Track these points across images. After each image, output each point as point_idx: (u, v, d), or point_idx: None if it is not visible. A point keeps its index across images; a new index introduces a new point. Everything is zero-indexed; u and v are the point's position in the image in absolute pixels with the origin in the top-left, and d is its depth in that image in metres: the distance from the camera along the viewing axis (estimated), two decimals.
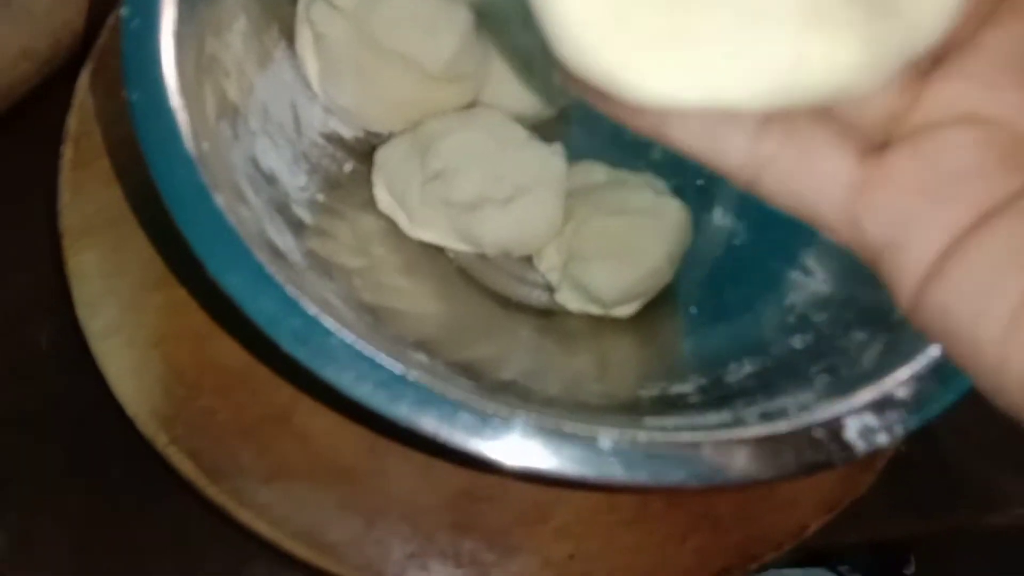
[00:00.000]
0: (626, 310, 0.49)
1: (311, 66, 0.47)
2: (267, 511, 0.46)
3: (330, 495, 0.46)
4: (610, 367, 0.47)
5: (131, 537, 0.49)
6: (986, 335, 0.22)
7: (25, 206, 0.54)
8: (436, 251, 0.50)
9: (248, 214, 0.37)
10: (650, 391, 0.44)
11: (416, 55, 0.47)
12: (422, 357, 0.41)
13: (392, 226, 0.50)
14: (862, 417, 0.36)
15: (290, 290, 0.35)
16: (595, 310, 0.49)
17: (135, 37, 0.38)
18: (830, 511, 0.48)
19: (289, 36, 0.48)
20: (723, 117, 0.24)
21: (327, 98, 0.48)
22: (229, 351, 0.49)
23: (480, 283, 0.51)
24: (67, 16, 0.54)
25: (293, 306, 0.35)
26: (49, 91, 0.55)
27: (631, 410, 0.42)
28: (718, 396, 0.43)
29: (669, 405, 0.42)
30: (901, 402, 0.36)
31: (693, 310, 0.50)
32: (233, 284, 0.35)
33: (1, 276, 0.53)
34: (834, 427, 0.35)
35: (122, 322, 0.48)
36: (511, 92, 0.51)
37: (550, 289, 0.51)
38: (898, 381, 0.37)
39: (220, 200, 0.36)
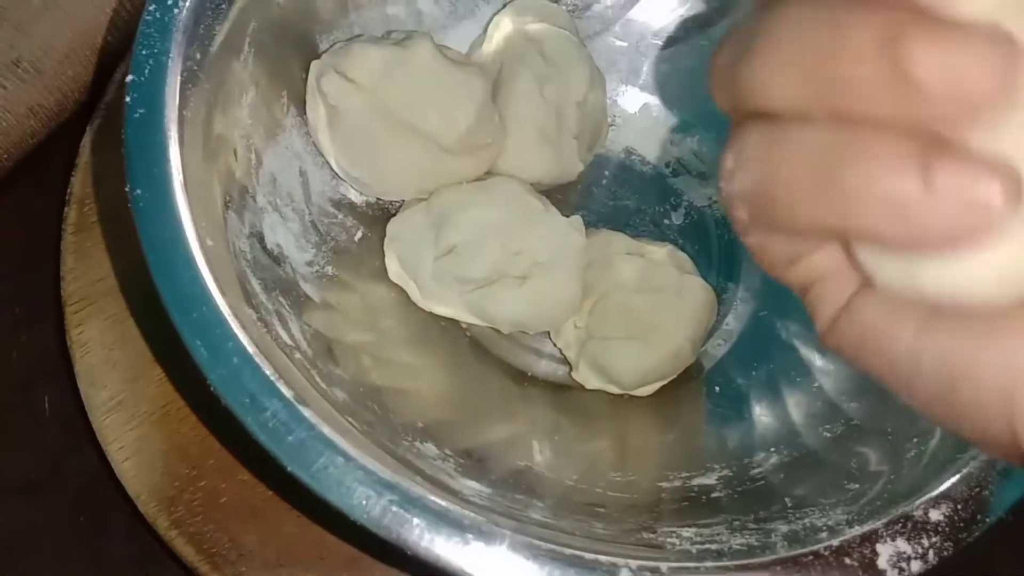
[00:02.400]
0: (646, 390, 0.48)
1: (323, 138, 0.46)
2: None
3: None
4: (630, 452, 0.45)
5: None
6: None
7: (30, 266, 0.53)
8: (448, 322, 0.49)
9: (253, 315, 0.36)
10: (672, 482, 0.42)
11: (432, 128, 0.45)
12: (430, 448, 0.40)
13: (402, 297, 0.48)
14: (896, 543, 0.34)
15: (295, 399, 0.34)
16: (613, 389, 0.48)
17: (140, 128, 0.36)
18: None
19: (299, 102, 0.46)
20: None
21: (340, 169, 0.47)
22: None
23: (494, 356, 0.50)
24: (75, 72, 0.52)
25: (298, 417, 0.33)
26: (55, 147, 0.53)
27: (651, 509, 0.40)
28: (744, 492, 0.41)
29: (692, 503, 0.41)
30: (935, 525, 0.35)
31: (717, 388, 0.49)
32: (235, 398, 0.33)
33: (4, 338, 0.52)
34: (868, 554, 0.34)
35: (124, 396, 0.47)
36: (528, 161, 0.49)
37: (567, 363, 0.49)
38: (932, 499, 0.35)
39: (225, 305, 0.34)
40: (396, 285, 0.48)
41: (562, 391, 0.49)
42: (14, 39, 0.50)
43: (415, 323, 0.48)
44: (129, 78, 0.37)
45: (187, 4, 0.39)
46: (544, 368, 0.50)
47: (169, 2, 0.38)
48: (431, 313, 0.48)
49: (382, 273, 0.48)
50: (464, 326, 0.49)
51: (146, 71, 0.37)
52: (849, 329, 0.24)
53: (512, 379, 0.49)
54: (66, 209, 0.50)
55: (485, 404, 0.48)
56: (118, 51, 0.54)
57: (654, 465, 0.45)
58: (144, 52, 0.38)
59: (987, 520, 0.35)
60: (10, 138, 0.51)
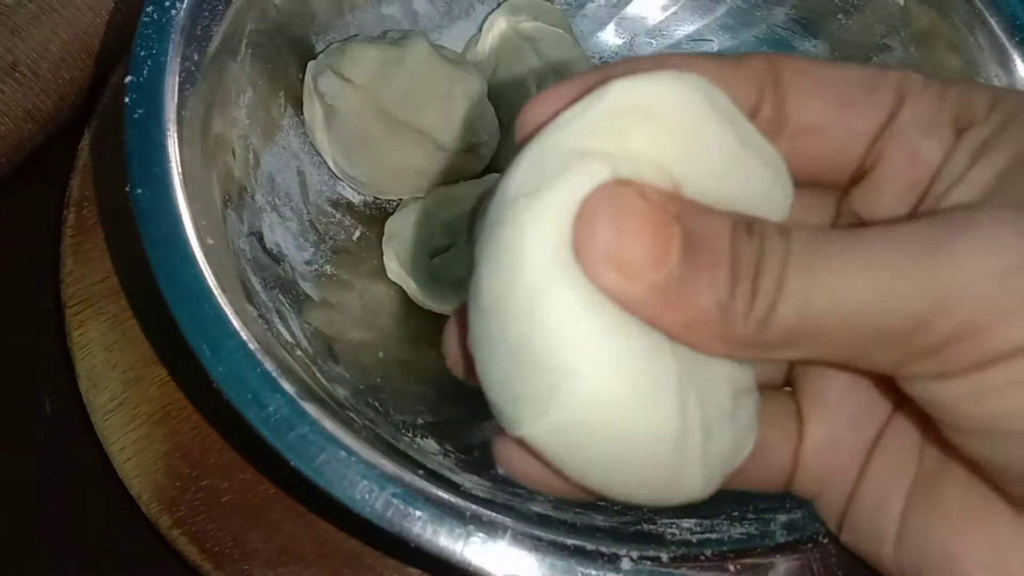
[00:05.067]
0: None
1: (320, 137, 0.46)
2: None
3: None
4: None
5: None
6: None
7: (29, 270, 0.53)
8: (445, 320, 0.49)
9: (254, 312, 0.36)
10: None
11: (428, 126, 0.45)
12: (431, 444, 0.40)
13: (401, 295, 0.48)
14: None
15: (297, 394, 0.34)
16: None
17: (140, 128, 0.36)
18: None
19: (296, 103, 0.47)
20: None
21: (337, 169, 0.47)
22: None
23: None
24: (72, 75, 0.52)
25: (300, 412, 0.34)
26: (52, 151, 0.54)
27: None
28: None
29: None
30: None
31: None
32: (238, 394, 0.33)
33: (4, 341, 0.52)
34: None
35: (125, 397, 0.47)
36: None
37: None
38: None
39: (226, 303, 0.34)
40: (395, 284, 0.48)
41: None
42: (10, 43, 0.50)
43: (414, 321, 0.48)
44: (128, 79, 0.37)
45: (184, 6, 0.39)
46: None
47: (167, 4, 0.39)
48: (430, 311, 0.48)
49: (380, 272, 0.48)
50: None
51: (145, 72, 0.38)
52: None
53: None
54: (65, 212, 0.50)
55: (484, 400, 0.48)
56: (114, 55, 0.54)
57: None
58: (142, 53, 0.38)
59: None
60: (7, 141, 0.51)
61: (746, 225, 0.21)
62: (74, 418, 0.49)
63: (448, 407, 0.45)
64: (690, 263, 0.20)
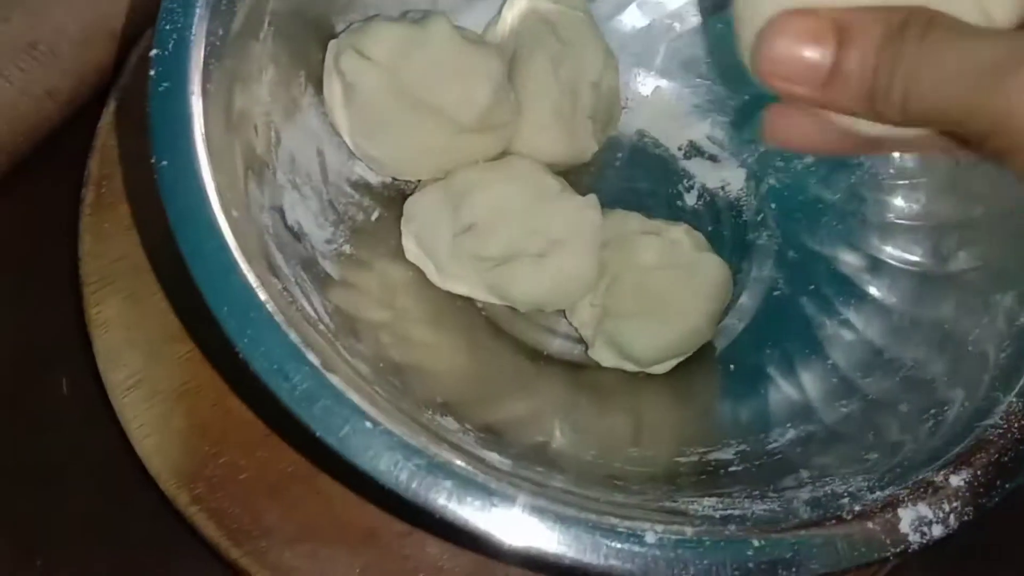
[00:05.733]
0: (662, 368, 0.48)
1: (340, 117, 0.46)
2: (292, 574, 0.45)
3: (356, 559, 0.45)
4: (646, 429, 0.46)
5: None
6: None
7: (47, 249, 0.53)
8: (464, 301, 0.49)
9: (278, 285, 0.36)
10: (689, 457, 0.43)
11: (449, 106, 0.45)
12: (450, 422, 0.40)
13: (419, 276, 0.48)
14: (917, 508, 0.34)
15: (322, 366, 0.34)
16: (630, 367, 0.48)
17: (165, 101, 0.36)
18: None
19: (316, 82, 0.47)
20: None
21: (357, 149, 0.47)
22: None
23: (509, 335, 0.50)
24: (91, 56, 0.53)
25: (325, 384, 0.34)
26: (70, 130, 0.54)
27: (670, 482, 0.40)
28: (761, 466, 0.41)
29: (710, 476, 0.41)
30: (956, 490, 0.35)
31: (732, 366, 0.49)
32: (263, 365, 0.33)
33: (22, 320, 0.52)
34: (890, 519, 0.34)
35: (143, 374, 0.47)
36: (543, 141, 0.49)
37: (582, 341, 0.50)
38: (952, 466, 0.36)
39: (251, 274, 0.34)
40: (413, 264, 0.48)
41: (577, 369, 0.49)
42: (32, 22, 0.51)
43: (432, 302, 0.48)
44: (153, 52, 0.37)
45: None
46: (559, 347, 0.50)
47: None
48: (447, 292, 0.48)
49: (399, 252, 0.48)
50: (479, 305, 0.50)
51: (170, 45, 0.38)
52: None
53: (528, 357, 0.49)
54: (83, 190, 0.51)
55: (501, 382, 0.48)
56: (133, 36, 0.54)
57: (671, 441, 0.45)
58: (168, 27, 0.38)
59: (1007, 486, 0.35)
60: (27, 121, 0.52)
61: (900, 23, 0.27)
62: (91, 397, 0.50)
63: (465, 387, 0.45)
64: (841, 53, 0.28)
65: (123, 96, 0.52)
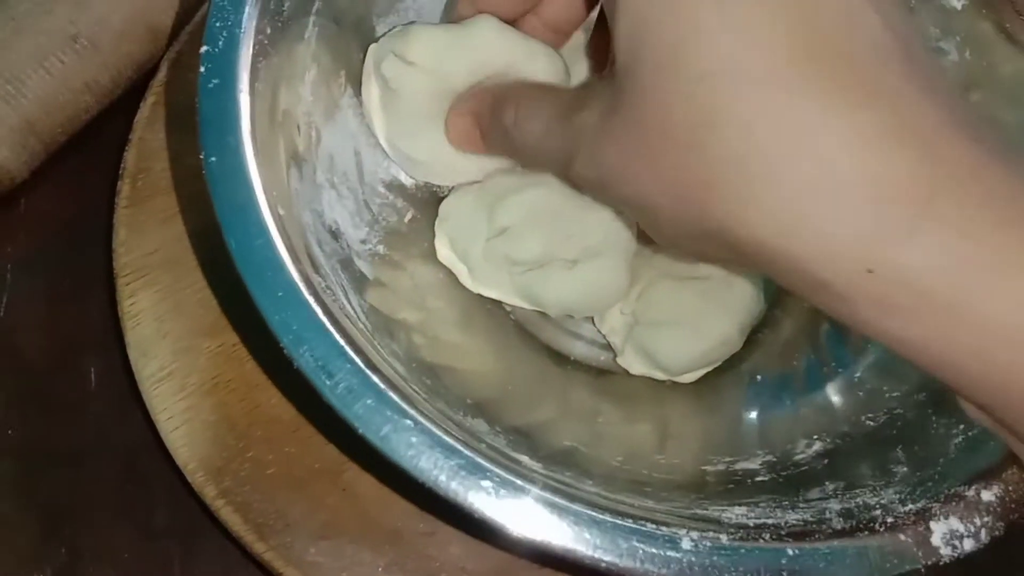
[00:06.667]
0: (690, 377, 0.48)
1: (378, 120, 0.46)
2: (315, 570, 0.45)
3: (379, 557, 0.46)
4: (672, 437, 0.46)
5: None
6: None
7: (82, 240, 0.54)
8: (493, 304, 0.49)
9: (322, 283, 0.36)
10: (716, 466, 0.43)
11: None
12: (481, 424, 0.40)
13: (451, 278, 0.49)
14: (949, 522, 0.35)
15: (364, 364, 0.34)
16: (659, 375, 0.48)
17: (215, 98, 0.37)
18: None
19: (355, 83, 0.47)
20: None
21: (394, 153, 0.47)
22: (280, 401, 0.48)
23: (538, 339, 0.50)
24: (129, 49, 0.53)
25: (367, 383, 0.34)
26: (106, 124, 0.54)
27: (697, 490, 0.41)
28: (788, 476, 0.42)
29: (737, 485, 0.41)
30: (987, 505, 0.35)
31: (759, 377, 0.49)
32: (307, 362, 0.34)
33: (54, 309, 0.53)
34: (922, 531, 0.34)
35: (174, 367, 0.48)
36: None
37: (609, 348, 0.50)
38: (984, 480, 0.36)
39: (296, 271, 0.35)
40: (443, 267, 0.49)
41: (604, 376, 0.50)
42: (74, 15, 0.51)
43: (461, 304, 0.49)
44: (204, 48, 0.38)
45: None
46: (586, 352, 0.51)
47: None
48: (479, 296, 0.48)
49: (431, 254, 0.49)
50: (508, 309, 0.50)
51: (220, 43, 0.38)
52: None
53: (555, 363, 0.50)
54: (119, 183, 0.51)
55: (529, 385, 0.48)
56: (172, 31, 0.55)
57: (696, 449, 0.45)
58: (218, 24, 0.38)
59: None
60: (66, 112, 0.52)
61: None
62: (120, 388, 0.50)
63: (494, 389, 0.46)
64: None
65: (161, 90, 0.53)
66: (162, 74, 0.53)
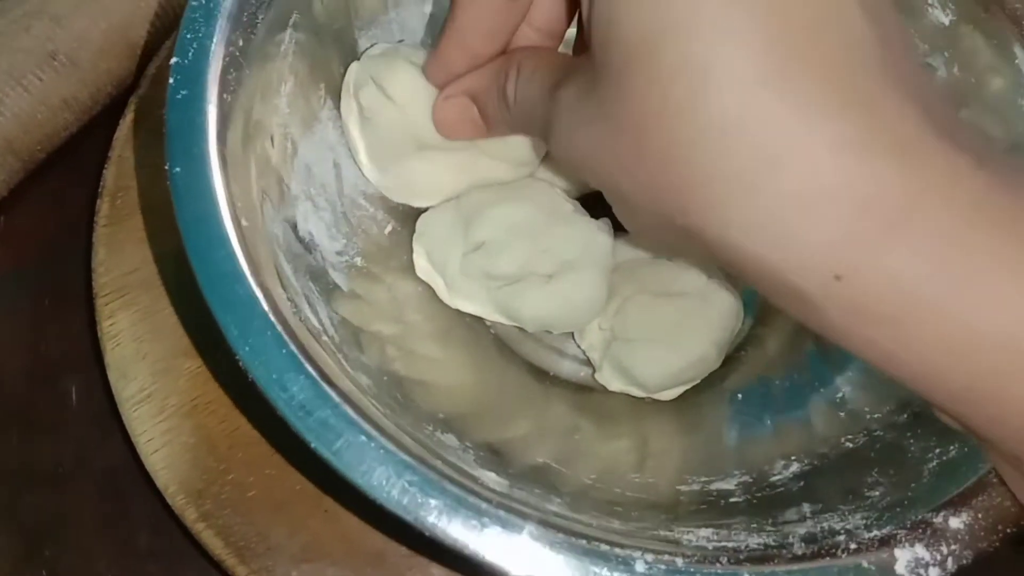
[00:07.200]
0: (669, 394, 0.48)
1: (355, 139, 0.46)
2: None
3: None
4: (650, 455, 0.45)
5: None
6: None
7: (61, 259, 0.53)
8: (473, 319, 0.49)
9: (283, 295, 0.36)
10: (691, 486, 0.42)
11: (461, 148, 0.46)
12: (451, 439, 0.40)
13: (429, 292, 0.48)
14: (914, 549, 0.34)
15: (320, 378, 0.34)
16: (637, 392, 0.48)
17: (181, 109, 0.37)
18: None
19: (335, 96, 0.47)
20: None
21: (368, 173, 0.47)
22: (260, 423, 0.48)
23: (518, 354, 0.50)
24: (109, 66, 0.53)
25: (322, 396, 0.34)
26: (86, 140, 0.54)
27: (669, 510, 0.40)
28: (762, 498, 0.41)
29: (710, 507, 0.41)
30: (955, 533, 0.34)
31: (739, 395, 0.48)
32: (262, 374, 0.33)
33: (35, 328, 0.52)
34: (885, 558, 0.33)
35: (153, 389, 0.47)
36: (564, 172, 0.49)
37: (589, 364, 0.49)
38: (953, 507, 0.35)
39: (255, 283, 0.35)
40: (423, 281, 0.48)
41: (583, 392, 0.49)
42: (52, 32, 0.51)
43: (440, 318, 0.48)
44: (173, 60, 0.38)
45: None
46: (567, 369, 0.50)
47: None
48: (457, 310, 0.48)
49: (410, 268, 0.48)
50: (489, 324, 0.50)
51: (190, 54, 0.38)
52: None
53: (535, 378, 0.49)
54: (98, 201, 0.51)
55: (507, 401, 0.48)
56: (152, 47, 0.54)
57: (673, 469, 0.45)
58: (188, 36, 0.38)
59: (1007, 531, 0.35)
60: (44, 130, 0.52)
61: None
62: (101, 407, 0.50)
63: (469, 404, 0.45)
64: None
65: (140, 107, 0.53)
66: (142, 90, 0.53)
